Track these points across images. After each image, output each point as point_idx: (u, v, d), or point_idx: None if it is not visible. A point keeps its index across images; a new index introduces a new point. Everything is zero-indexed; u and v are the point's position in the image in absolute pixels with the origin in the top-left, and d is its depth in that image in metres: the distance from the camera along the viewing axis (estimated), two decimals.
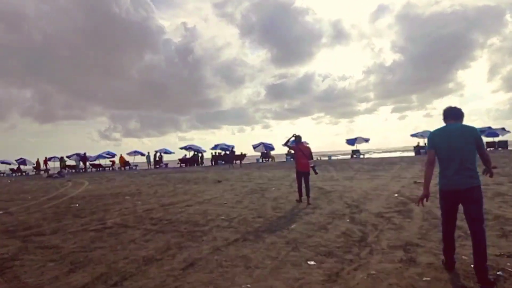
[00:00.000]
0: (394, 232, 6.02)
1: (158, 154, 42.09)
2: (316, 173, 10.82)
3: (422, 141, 37.31)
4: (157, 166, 41.26)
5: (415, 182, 12.51)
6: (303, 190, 10.05)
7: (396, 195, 10.07)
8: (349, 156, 44.51)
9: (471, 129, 3.98)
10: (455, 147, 3.90)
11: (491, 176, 4.17)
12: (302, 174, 10.11)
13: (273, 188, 13.54)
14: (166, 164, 42.30)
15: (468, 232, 4.15)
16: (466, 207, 3.93)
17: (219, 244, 5.94)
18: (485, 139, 34.95)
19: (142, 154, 45.07)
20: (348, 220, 7.22)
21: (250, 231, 6.84)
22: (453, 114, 4.13)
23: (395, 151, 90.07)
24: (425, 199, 4.21)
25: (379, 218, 7.21)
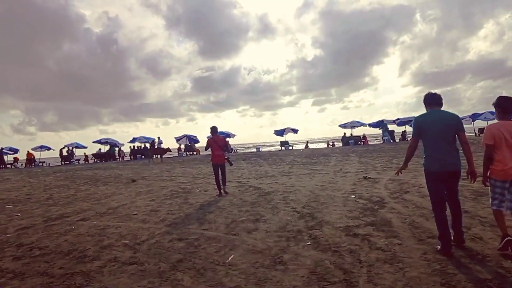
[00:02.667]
0: (391, 269, 3.87)
1: (66, 149, 37.21)
2: (231, 164, 10.50)
3: (349, 132, 36.91)
4: (67, 162, 36.50)
5: (365, 178, 10.74)
6: (221, 182, 9.96)
7: (353, 196, 8.11)
8: (276, 148, 43.07)
9: (454, 116, 4.32)
10: (441, 131, 4.22)
11: (473, 177, 4.29)
12: (218, 166, 9.92)
13: (199, 190, 11.04)
14: (78, 160, 37.62)
15: None
16: (450, 185, 4.30)
17: None
18: (399, 128, 35.30)
19: (49, 149, 39.93)
20: (309, 243, 5.00)
21: (164, 271, 4.34)
22: (436, 100, 4.42)
23: (319, 141, 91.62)
24: (401, 171, 4.79)
25: (353, 238, 5.08)
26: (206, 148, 10.28)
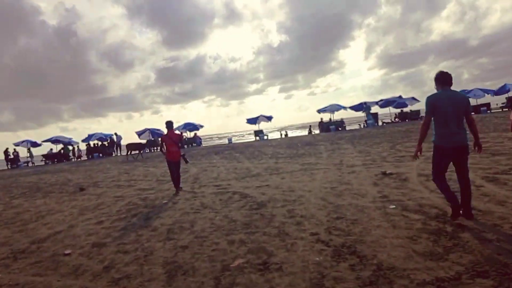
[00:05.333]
0: None
1: (12, 151, 33.01)
2: (186, 162, 9.97)
3: (328, 116, 34.54)
4: (14, 165, 32.40)
5: (385, 174, 8.27)
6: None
7: (392, 206, 5.58)
8: (249, 138, 40.37)
9: (464, 96, 4.60)
10: (453, 110, 4.44)
11: (479, 149, 4.66)
12: (173, 163, 9.33)
13: (165, 201, 8.25)
14: (27, 162, 33.49)
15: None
16: (460, 160, 4.57)
17: None
18: (395, 111, 33.25)
19: None
20: None
21: None
22: (449, 80, 4.57)
23: (290, 128, 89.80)
24: (419, 152, 4.81)
25: None
26: (161, 146, 9.65)
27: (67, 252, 5.23)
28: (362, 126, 32.51)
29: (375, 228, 4.67)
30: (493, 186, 6.02)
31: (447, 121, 4.44)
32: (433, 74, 4.73)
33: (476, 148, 4.64)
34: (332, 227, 4.93)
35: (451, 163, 4.63)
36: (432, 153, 4.71)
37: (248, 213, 6.25)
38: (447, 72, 4.61)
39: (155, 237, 5.46)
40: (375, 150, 12.78)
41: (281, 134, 38.79)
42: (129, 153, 25.66)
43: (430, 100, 4.56)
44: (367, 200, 6.15)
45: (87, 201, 9.60)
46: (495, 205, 5.00)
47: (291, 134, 45.05)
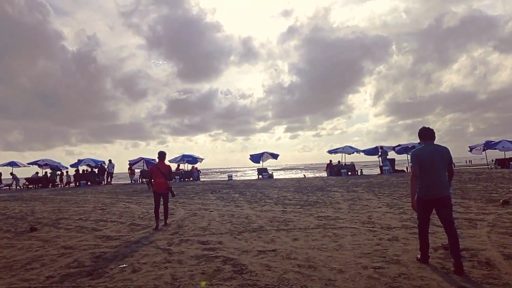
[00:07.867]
0: None
1: None
2: (174, 195, 9.28)
3: (337, 159, 31.99)
4: None
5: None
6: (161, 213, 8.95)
7: None
8: (251, 175, 37.70)
9: (446, 149, 4.85)
10: (436, 163, 4.69)
11: None
12: (160, 195, 8.88)
13: (124, 266, 5.60)
14: (9, 185, 30.80)
15: None
16: (442, 211, 4.69)
17: None
18: (399, 156, 30.44)
19: None
20: None
21: None
22: (430, 135, 4.91)
23: (294, 168, 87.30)
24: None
25: None
26: (149, 177, 9.15)
27: None
28: (360, 172, 29.50)
29: None
30: None
31: (432, 173, 4.67)
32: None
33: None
34: None
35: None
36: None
37: None
38: (429, 128, 4.96)
39: None
40: (408, 205, 10.14)
41: (262, 176, 31.66)
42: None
43: (416, 153, 4.86)
44: None
45: (25, 250, 7.04)
46: None
47: (279, 176, 42.28)
